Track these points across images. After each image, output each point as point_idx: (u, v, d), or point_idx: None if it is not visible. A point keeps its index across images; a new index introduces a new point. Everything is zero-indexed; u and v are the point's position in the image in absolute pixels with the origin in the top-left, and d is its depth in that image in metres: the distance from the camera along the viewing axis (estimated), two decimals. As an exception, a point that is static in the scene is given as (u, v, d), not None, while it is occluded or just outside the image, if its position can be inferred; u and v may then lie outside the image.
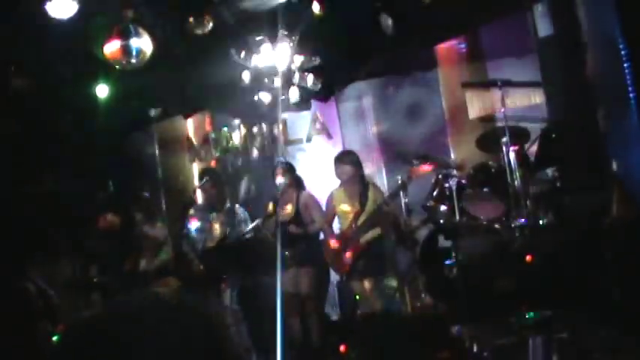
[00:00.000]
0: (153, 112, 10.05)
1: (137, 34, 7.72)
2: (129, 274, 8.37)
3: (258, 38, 8.78)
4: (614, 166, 5.52)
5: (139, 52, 7.79)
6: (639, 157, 5.25)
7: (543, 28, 6.89)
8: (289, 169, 8.73)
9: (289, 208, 8.54)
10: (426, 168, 8.16)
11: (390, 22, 8.34)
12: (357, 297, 8.46)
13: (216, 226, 8.84)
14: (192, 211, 9.14)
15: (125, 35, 7.67)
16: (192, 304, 1.92)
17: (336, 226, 8.67)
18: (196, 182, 10.48)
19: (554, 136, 6.92)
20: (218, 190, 9.00)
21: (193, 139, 11.43)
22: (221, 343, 1.90)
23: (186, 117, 11.14)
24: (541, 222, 7.38)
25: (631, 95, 5.32)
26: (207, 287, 8.71)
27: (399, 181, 8.30)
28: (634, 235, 5.10)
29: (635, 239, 5.07)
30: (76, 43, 7.97)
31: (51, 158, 9.04)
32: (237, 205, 9.01)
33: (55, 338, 6.32)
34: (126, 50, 7.70)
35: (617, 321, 5.04)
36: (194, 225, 9.08)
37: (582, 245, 5.74)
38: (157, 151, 10.89)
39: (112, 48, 7.70)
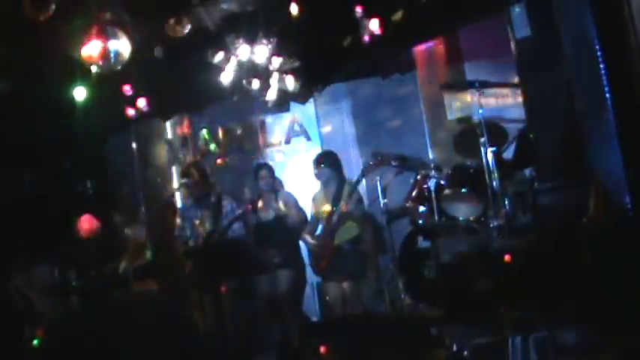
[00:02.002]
0: (131, 114, 10.00)
1: (115, 36, 7.69)
2: (109, 276, 8.30)
3: (236, 40, 8.76)
4: (592, 165, 5.56)
5: (117, 54, 7.74)
6: (616, 157, 5.28)
7: (520, 29, 6.92)
8: (269, 171, 8.74)
9: (269, 209, 8.53)
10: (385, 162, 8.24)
11: (369, 23, 8.36)
12: (328, 298, 8.47)
13: (203, 222, 8.78)
14: (176, 210, 9.09)
15: (103, 37, 7.63)
16: (171, 307, 1.92)
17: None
18: (176, 183, 10.45)
19: (531, 136, 6.96)
20: (202, 183, 8.88)
21: (172, 141, 11.40)
22: (195, 344, 1.91)
23: (164, 119, 11.10)
24: (519, 222, 7.42)
25: (607, 96, 5.36)
26: (188, 289, 8.69)
27: (359, 176, 8.38)
28: (611, 235, 5.13)
29: (612, 238, 5.11)
30: (53, 45, 7.92)
31: (29, 160, 8.98)
32: (223, 197, 8.93)
33: (35, 342, 6.29)
34: (104, 52, 7.66)
35: (594, 320, 5.08)
36: (178, 224, 9.04)
37: (560, 245, 5.77)
38: (135, 153, 10.84)
39: (89, 50, 7.66)
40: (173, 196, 9.43)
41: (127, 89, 9.01)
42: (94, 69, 7.90)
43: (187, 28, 8.25)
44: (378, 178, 8.63)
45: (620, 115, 5.30)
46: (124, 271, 8.39)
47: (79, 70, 8.33)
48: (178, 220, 9.08)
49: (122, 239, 8.57)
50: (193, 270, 8.55)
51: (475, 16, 8.64)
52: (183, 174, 9.09)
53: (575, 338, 5.19)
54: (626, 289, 4.73)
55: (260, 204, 8.57)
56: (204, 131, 11.27)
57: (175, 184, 10.60)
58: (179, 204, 9.80)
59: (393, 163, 8.62)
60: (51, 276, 7.94)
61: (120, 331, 1.84)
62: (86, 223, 8.96)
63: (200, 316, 8.38)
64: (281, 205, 8.53)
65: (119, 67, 7.82)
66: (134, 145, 10.67)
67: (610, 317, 4.87)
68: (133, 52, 7.83)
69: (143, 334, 1.81)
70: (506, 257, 7.02)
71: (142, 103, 9.14)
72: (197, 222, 8.81)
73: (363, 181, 8.93)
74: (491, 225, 7.72)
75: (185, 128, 11.42)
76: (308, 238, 8.57)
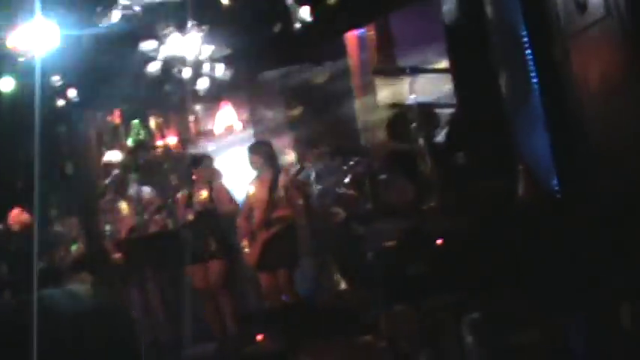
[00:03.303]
0: (61, 105, 9.86)
1: (43, 25, 7.57)
2: (42, 271, 8.22)
3: (166, 28, 8.70)
4: (520, 149, 5.68)
5: (46, 42, 7.64)
6: (543, 141, 5.40)
7: (451, 14, 7.01)
8: (207, 162, 8.72)
9: (202, 199, 8.52)
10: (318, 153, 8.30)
11: (300, 10, 8.39)
12: (263, 287, 8.50)
13: (125, 215, 8.71)
14: (103, 203, 9.00)
15: (30, 26, 7.51)
16: (105, 300, 1.93)
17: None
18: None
19: (462, 121, 7.07)
20: (122, 176, 8.79)
21: (103, 132, 11.27)
22: (130, 337, 1.92)
23: (95, 109, 10.97)
24: (451, 206, 7.53)
25: (534, 81, 5.47)
26: (120, 281, 8.63)
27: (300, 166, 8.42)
28: (538, 217, 5.26)
29: (539, 221, 5.23)
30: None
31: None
32: (142, 187, 8.85)
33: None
34: (31, 41, 7.55)
35: (523, 299, 5.20)
36: (105, 217, 8.95)
37: (491, 228, 5.88)
38: (66, 145, 10.70)
39: (16, 39, 7.54)
40: (107, 185, 9.31)
41: (56, 79, 8.89)
42: (20, 59, 7.79)
43: (117, 16, 8.17)
44: (310, 165, 8.67)
45: (546, 99, 5.42)
46: (57, 266, 8.33)
47: (4, 61, 8.21)
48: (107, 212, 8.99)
49: (54, 233, 8.50)
50: (122, 262, 8.48)
51: (406, 1, 8.74)
52: (106, 166, 8.98)
53: (508, 318, 5.31)
54: (553, 271, 4.86)
55: (196, 194, 8.54)
56: (136, 121, 11.17)
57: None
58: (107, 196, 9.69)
59: (327, 150, 8.68)
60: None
61: (51, 326, 1.83)
62: (17, 217, 8.86)
63: (133, 310, 8.33)
64: (215, 195, 8.51)
65: (47, 57, 7.72)
66: (64, 137, 10.54)
67: (539, 297, 5.00)
68: (62, 42, 7.74)
69: (77, 331, 1.80)
70: (439, 241, 7.14)
71: (71, 93, 9.04)
72: (120, 214, 8.74)
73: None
74: (423, 209, 7.81)
75: (116, 119, 11.30)
76: (242, 226, 8.57)
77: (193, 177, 8.63)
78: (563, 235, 4.91)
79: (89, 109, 10.81)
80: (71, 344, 1.70)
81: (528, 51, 5.53)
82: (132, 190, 8.76)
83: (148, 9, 8.29)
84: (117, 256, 8.56)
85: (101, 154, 11.15)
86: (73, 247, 8.64)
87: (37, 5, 7.62)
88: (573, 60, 4.99)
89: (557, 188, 5.38)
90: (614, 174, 4.56)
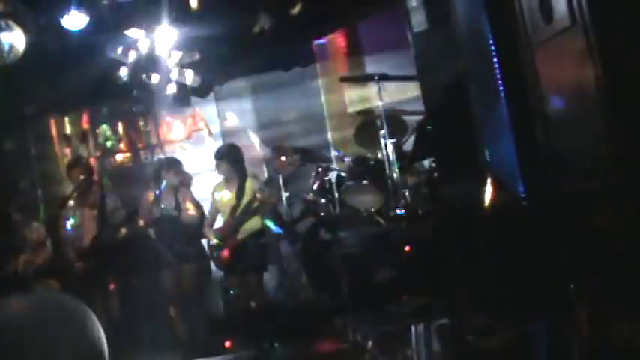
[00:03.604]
0: (28, 110, 9.81)
1: (9, 29, 7.53)
2: (7, 277, 8.14)
3: (135, 33, 8.68)
4: (486, 155, 5.73)
5: (11, 47, 7.59)
6: (509, 146, 5.46)
7: (418, 22, 7.05)
8: (176, 166, 8.68)
9: (167, 204, 8.50)
10: (293, 161, 8.32)
11: (267, 17, 8.42)
12: (232, 292, 8.50)
13: (89, 221, 8.63)
14: (67, 209, 8.90)
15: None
16: (72, 308, 1.90)
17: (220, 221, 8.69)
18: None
19: (429, 128, 7.12)
20: (87, 181, 8.67)
21: (71, 138, 11.20)
22: (97, 347, 1.90)
23: (63, 114, 10.90)
24: (419, 212, 7.59)
25: (500, 88, 5.53)
26: (86, 289, 8.56)
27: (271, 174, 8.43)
28: (504, 222, 5.32)
29: (505, 226, 5.29)
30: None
31: None
32: (108, 194, 8.77)
33: None
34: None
35: (491, 306, 5.26)
36: (70, 223, 8.86)
37: (457, 234, 5.93)
38: (33, 151, 10.63)
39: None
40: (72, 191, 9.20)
41: (23, 83, 8.82)
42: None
43: (85, 20, 8.13)
44: (278, 171, 8.70)
45: (513, 106, 5.48)
46: (23, 270, 8.26)
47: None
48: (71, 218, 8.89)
49: (21, 238, 8.42)
50: (86, 270, 8.40)
51: (374, 9, 8.79)
52: (69, 172, 8.86)
53: (474, 324, 5.36)
54: (518, 277, 4.92)
55: (162, 200, 8.52)
56: (104, 127, 11.12)
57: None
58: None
59: (294, 157, 8.71)
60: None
61: (14, 334, 1.80)
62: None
63: (100, 316, 8.25)
64: (182, 200, 8.50)
65: (14, 61, 7.67)
66: (31, 142, 10.46)
67: (504, 303, 5.05)
68: (29, 46, 7.69)
69: (41, 339, 1.78)
70: (407, 247, 7.20)
71: (38, 97, 8.97)
72: (84, 220, 8.65)
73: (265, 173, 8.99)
74: (391, 216, 7.86)
75: (84, 124, 11.23)
76: (210, 231, 8.56)
77: (162, 182, 8.61)
78: (529, 241, 4.97)
79: (56, 114, 10.75)
80: (35, 352, 1.68)
81: (495, 59, 5.60)
82: (98, 197, 8.67)
83: (116, 13, 8.27)
84: (80, 264, 8.48)
85: (67, 160, 11.08)
86: (40, 253, 8.55)
87: (3, 9, 7.57)
88: (539, 69, 5.05)
89: (522, 194, 5.44)
90: (580, 181, 4.63)
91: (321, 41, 10.59)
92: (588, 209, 4.48)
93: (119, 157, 11.24)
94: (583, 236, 4.48)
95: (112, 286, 8.48)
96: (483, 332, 5.07)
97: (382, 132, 7.93)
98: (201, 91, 10.02)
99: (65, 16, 8.02)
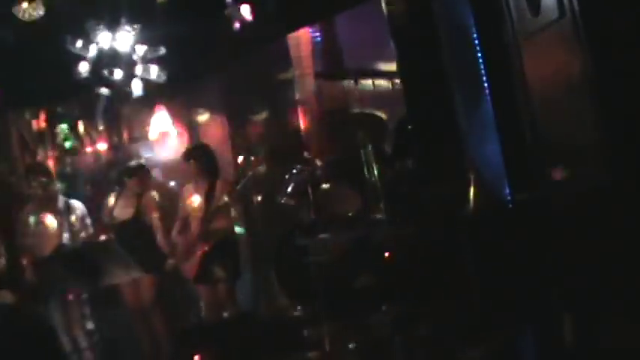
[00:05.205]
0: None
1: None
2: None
3: (96, 26, 8.64)
4: (470, 155, 5.77)
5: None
6: (493, 146, 5.51)
7: (398, 17, 7.09)
8: (142, 172, 8.67)
9: (130, 210, 8.48)
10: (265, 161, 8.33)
11: (238, 10, 8.41)
12: (201, 302, 8.49)
13: (51, 229, 8.56)
14: (24, 214, 8.83)
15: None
16: (28, 318, 1.91)
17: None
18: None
19: (410, 127, 7.14)
20: (47, 187, 8.60)
21: (27, 137, 11.12)
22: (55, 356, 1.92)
23: (19, 112, 10.82)
24: (399, 215, 7.60)
25: (485, 85, 5.58)
26: (44, 299, 8.51)
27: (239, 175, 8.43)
28: (489, 224, 5.35)
29: (490, 228, 5.33)
30: None
31: None
32: (72, 201, 8.71)
33: None
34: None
35: (473, 312, 5.29)
36: (27, 230, 8.78)
37: (440, 237, 5.97)
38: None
39: None
40: (28, 197, 9.13)
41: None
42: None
43: (41, 11, 8.08)
44: (250, 173, 8.68)
45: (498, 105, 5.52)
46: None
47: None
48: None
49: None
50: (44, 280, 8.34)
51: (351, 2, 8.81)
52: (25, 175, 8.79)
53: (455, 332, 5.40)
54: (502, 281, 4.96)
55: (126, 205, 8.50)
56: (64, 126, 11.05)
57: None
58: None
59: (268, 158, 8.71)
60: None
61: None
62: None
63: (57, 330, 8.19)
64: (144, 206, 8.47)
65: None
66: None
67: (489, 309, 5.09)
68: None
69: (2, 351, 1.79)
70: (387, 253, 7.21)
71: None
72: (44, 227, 8.58)
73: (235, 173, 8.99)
74: (370, 219, 7.86)
75: (42, 122, 11.16)
76: (177, 239, 8.53)
77: (124, 187, 8.60)
78: (513, 244, 5.02)
79: (11, 111, 10.66)
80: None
81: (479, 54, 5.64)
82: (60, 202, 8.60)
83: (76, 3, 8.22)
84: (38, 273, 8.42)
85: (24, 161, 11.00)
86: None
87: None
88: (526, 63, 5.09)
89: (508, 196, 5.49)
90: (568, 178, 4.67)
91: (296, 35, 10.58)
92: (577, 210, 4.52)
93: (79, 158, 11.18)
94: (571, 237, 4.53)
95: (70, 297, 8.43)
96: (467, 340, 5.11)
97: (360, 131, 7.93)
98: (168, 87, 9.97)
99: (19, 6, 7.96)
